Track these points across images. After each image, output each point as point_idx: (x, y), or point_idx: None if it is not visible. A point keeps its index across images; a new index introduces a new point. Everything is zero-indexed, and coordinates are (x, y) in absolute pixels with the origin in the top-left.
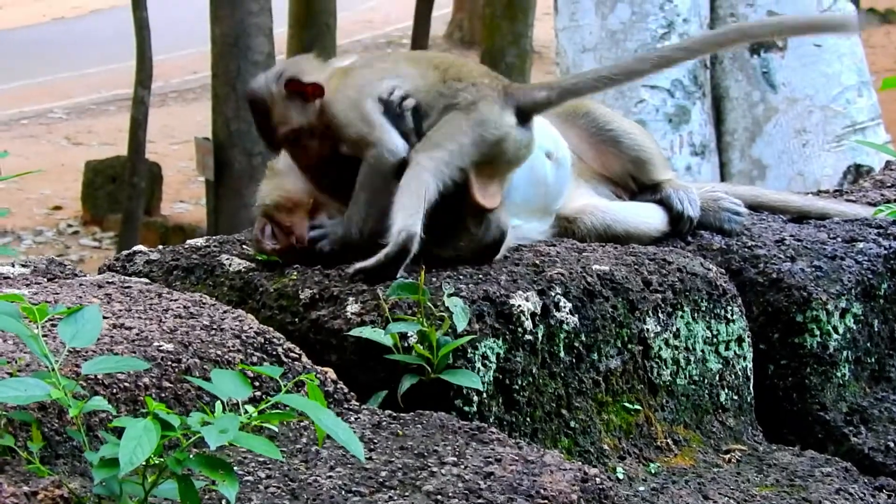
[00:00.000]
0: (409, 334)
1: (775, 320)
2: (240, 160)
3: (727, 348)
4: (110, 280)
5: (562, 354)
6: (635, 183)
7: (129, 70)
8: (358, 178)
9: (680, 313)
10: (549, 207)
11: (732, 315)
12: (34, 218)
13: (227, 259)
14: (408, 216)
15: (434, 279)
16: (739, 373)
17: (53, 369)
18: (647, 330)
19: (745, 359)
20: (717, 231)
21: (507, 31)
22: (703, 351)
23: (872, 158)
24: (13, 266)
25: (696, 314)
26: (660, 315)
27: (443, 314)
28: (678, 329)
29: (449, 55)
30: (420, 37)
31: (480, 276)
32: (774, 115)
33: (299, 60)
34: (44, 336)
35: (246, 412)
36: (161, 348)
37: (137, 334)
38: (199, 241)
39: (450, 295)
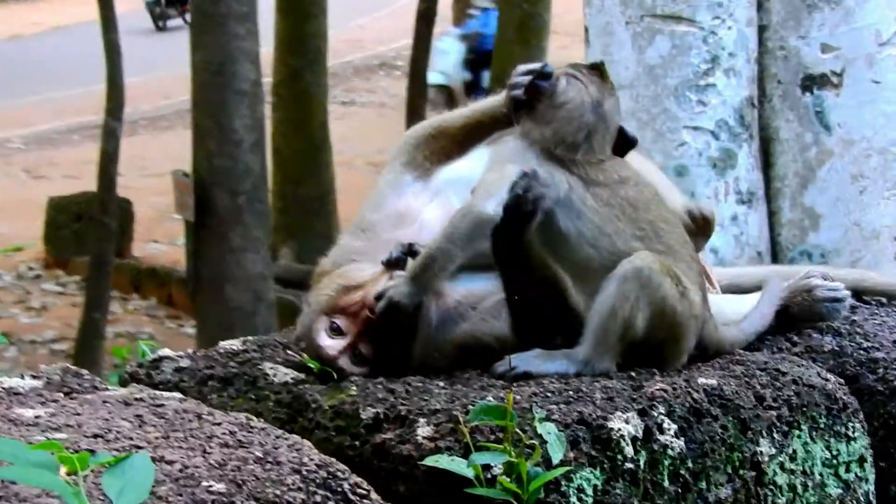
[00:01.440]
0: (493, 465)
1: None
2: (223, 199)
3: (848, 470)
4: (138, 396)
5: (666, 484)
6: None
7: (95, 95)
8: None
9: (797, 432)
10: None
11: (854, 432)
12: None
13: (272, 368)
14: None
15: (517, 397)
16: (861, 498)
17: None
18: (761, 452)
19: (867, 482)
20: (818, 322)
21: (520, 55)
22: (821, 475)
23: None
24: (23, 378)
25: (814, 433)
26: (774, 435)
27: (533, 441)
28: (794, 451)
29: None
30: (420, 59)
31: (571, 392)
32: (829, 159)
33: None
34: (87, 492)
35: None
36: (211, 489)
37: (181, 470)
38: (236, 344)
39: (542, 420)
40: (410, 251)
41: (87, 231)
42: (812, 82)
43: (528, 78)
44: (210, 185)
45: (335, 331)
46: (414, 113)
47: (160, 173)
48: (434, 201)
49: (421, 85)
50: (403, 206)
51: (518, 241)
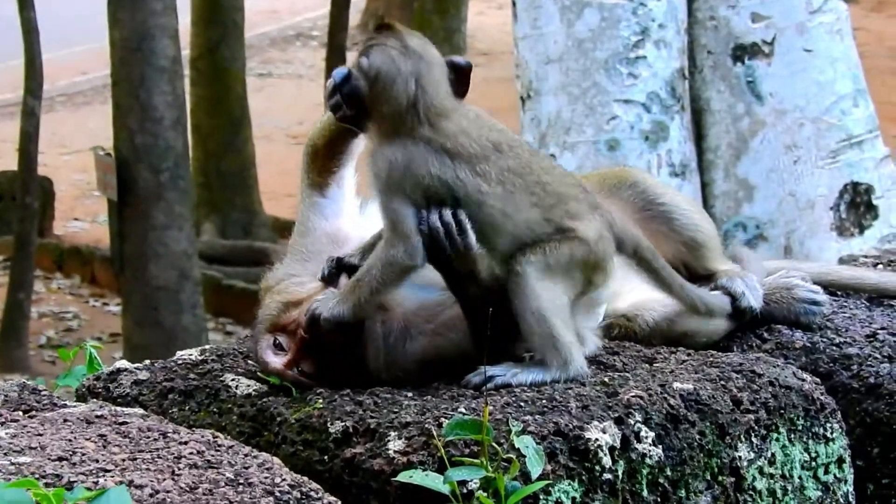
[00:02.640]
0: (469, 480)
1: (875, 432)
2: (146, 177)
3: (826, 472)
4: (99, 413)
5: (645, 493)
6: (686, 270)
7: (9, 72)
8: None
9: (775, 435)
10: (596, 299)
11: (832, 433)
12: None
13: (233, 379)
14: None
15: (490, 408)
16: (841, 499)
17: None
18: (740, 458)
19: (845, 482)
20: (793, 324)
21: (439, 26)
22: (800, 478)
23: (871, 175)
24: None
25: (792, 435)
26: (753, 439)
27: (510, 455)
28: (773, 454)
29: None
30: (338, 31)
31: (545, 401)
32: (761, 130)
33: None
34: None
35: None
36: None
37: (152, 495)
38: (194, 354)
39: (518, 433)
40: (340, 265)
41: (7, 211)
42: (743, 52)
43: (336, 97)
44: (132, 163)
45: (278, 347)
46: None
47: (79, 150)
48: (360, 219)
49: (339, 55)
50: (332, 227)
51: (451, 261)
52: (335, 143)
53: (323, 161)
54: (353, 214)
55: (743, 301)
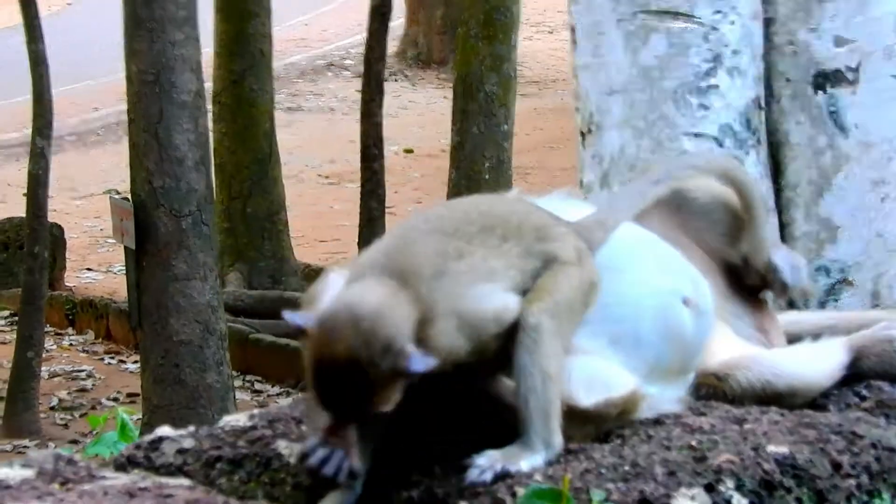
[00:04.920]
0: None
1: None
2: (166, 223)
3: None
4: (142, 485)
5: None
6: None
7: (14, 110)
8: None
9: (878, 501)
10: (687, 367)
11: None
12: None
13: (286, 447)
14: None
15: (565, 470)
16: None
17: None
18: None
19: None
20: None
21: (486, 53)
22: None
23: None
24: (11, 467)
25: None
26: None
27: None
28: None
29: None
30: (375, 60)
31: (627, 467)
32: (846, 164)
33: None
34: None
35: None
36: None
37: None
38: (242, 420)
39: (602, 502)
40: None
41: (14, 261)
42: (825, 79)
43: None
44: (151, 207)
45: None
46: (369, 118)
47: (92, 194)
48: None
49: (377, 86)
50: None
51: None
52: None
53: None
54: None
55: (788, 279)
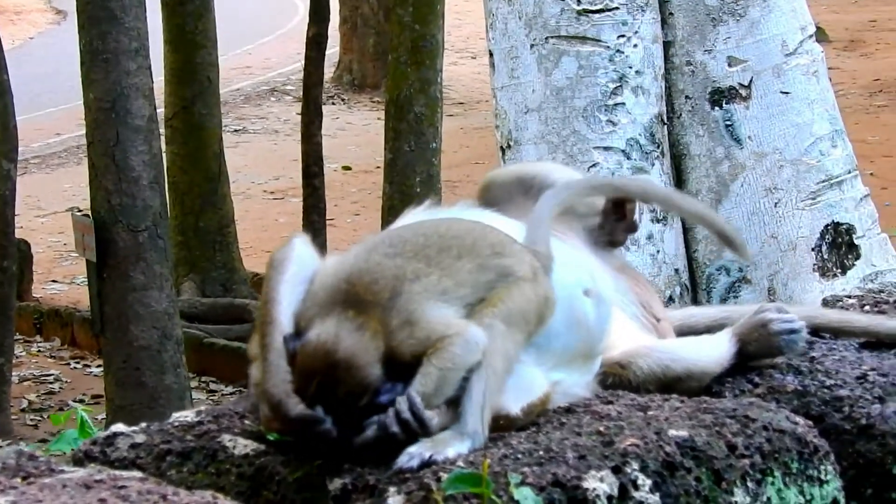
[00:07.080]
0: None
1: (868, 474)
2: (124, 238)
3: None
4: (98, 477)
5: None
6: None
7: None
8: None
9: (770, 479)
10: (593, 352)
11: (826, 475)
12: None
13: (231, 440)
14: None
15: (485, 456)
16: None
17: None
18: (736, 503)
19: None
20: (776, 354)
21: (414, 78)
22: None
23: (852, 215)
24: None
25: (787, 479)
26: (748, 484)
27: None
28: (769, 498)
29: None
30: (313, 86)
31: (541, 452)
32: (741, 173)
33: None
34: None
35: None
36: None
37: None
38: (190, 416)
39: (518, 485)
40: None
41: None
42: (720, 96)
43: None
44: (110, 224)
45: None
46: (310, 138)
47: (55, 212)
48: None
49: (315, 109)
50: None
51: None
52: None
53: None
54: None
55: None
